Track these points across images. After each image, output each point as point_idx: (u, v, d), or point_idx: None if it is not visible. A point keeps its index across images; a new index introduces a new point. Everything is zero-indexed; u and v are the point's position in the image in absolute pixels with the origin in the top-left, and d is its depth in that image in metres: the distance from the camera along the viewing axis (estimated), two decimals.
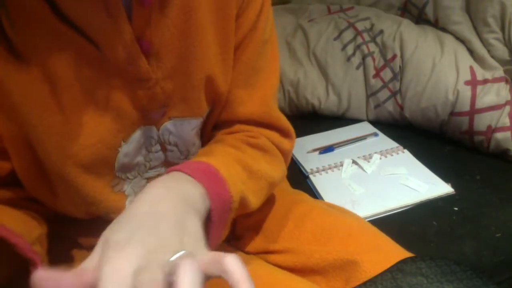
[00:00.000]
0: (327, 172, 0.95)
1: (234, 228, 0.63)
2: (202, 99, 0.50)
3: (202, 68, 0.48)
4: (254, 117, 0.55)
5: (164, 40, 0.44)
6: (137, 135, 0.48)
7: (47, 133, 0.42)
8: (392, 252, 0.54)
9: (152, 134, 0.50)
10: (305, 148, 1.05)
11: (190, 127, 0.52)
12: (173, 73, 0.46)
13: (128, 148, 0.47)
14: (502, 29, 1.00)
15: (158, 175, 0.50)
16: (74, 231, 0.54)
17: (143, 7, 0.41)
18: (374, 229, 0.59)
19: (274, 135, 0.57)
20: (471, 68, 1.00)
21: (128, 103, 0.45)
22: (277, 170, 0.55)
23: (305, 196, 0.67)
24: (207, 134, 0.57)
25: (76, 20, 0.38)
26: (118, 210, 0.46)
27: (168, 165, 0.54)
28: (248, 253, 0.60)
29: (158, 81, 0.45)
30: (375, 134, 1.09)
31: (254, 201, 0.49)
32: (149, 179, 0.53)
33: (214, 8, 0.47)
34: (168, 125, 0.50)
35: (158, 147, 0.51)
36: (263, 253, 0.59)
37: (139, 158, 0.50)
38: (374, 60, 1.12)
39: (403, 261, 0.52)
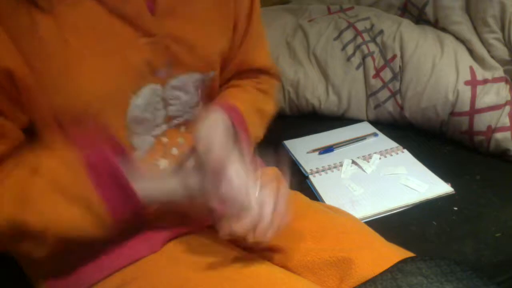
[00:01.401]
0: (326, 173, 0.95)
1: None
2: (204, 58, 0.57)
3: (202, 30, 0.55)
4: (264, 68, 0.70)
5: (172, 5, 0.51)
6: (146, 90, 0.52)
7: (64, 79, 0.45)
8: (389, 253, 0.54)
9: (158, 92, 0.54)
10: (305, 149, 1.05)
11: (191, 80, 0.57)
12: (176, 32, 0.53)
13: (138, 101, 0.52)
14: (502, 29, 1.00)
15: (163, 133, 0.57)
16: None
17: None
18: (368, 229, 0.60)
19: (273, 80, 0.72)
20: (471, 68, 1.00)
21: (137, 56, 0.50)
22: (273, 107, 0.71)
23: (301, 196, 0.69)
24: (215, 92, 0.65)
25: None
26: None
27: (169, 120, 0.58)
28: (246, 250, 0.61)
29: (162, 38, 0.51)
30: (375, 134, 1.09)
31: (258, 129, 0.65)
32: (156, 137, 0.58)
33: None
34: (172, 81, 0.55)
35: (161, 104, 0.56)
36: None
37: (147, 114, 0.54)
38: (374, 60, 1.12)
39: (403, 261, 0.52)
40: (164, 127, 0.58)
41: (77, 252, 0.51)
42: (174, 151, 0.60)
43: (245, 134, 0.57)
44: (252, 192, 0.49)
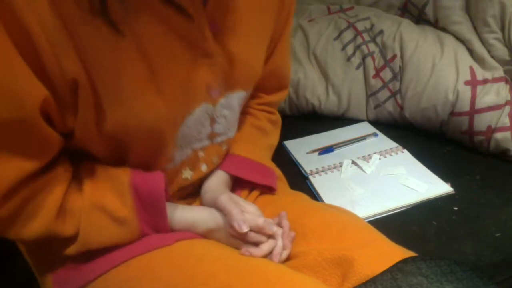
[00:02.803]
0: (326, 173, 0.95)
1: None
2: (252, 76, 0.60)
3: (253, 48, 0.58)
4: (287, 81, 0.76)
5: (228, 24, 0.52)
6: (199, 110, 0.54)
7: (129, 98, 0.46)
8: (390, 251, 0.54)
9: (208, 111, 0.56)
10: (305, 149, 1.05)
11: (238, 99, 0.60)
12: (233, 52, 0.54)
13: (190, 120, 0.54)
14: (502, 29, 1.00)
15: (202, 147, 0.60)
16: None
17: None
18: (370, 227, 0.60)
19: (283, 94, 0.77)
20: (471, 68, 1.00)
21: (197, 76, 0.51)
22: (278, 137, 0.79)
23: (303, 196, 0.70)
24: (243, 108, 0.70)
25: None
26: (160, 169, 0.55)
27: (213, 136, 0.61)
28: None
29: (220, 58, 0.53)
30: (375, 134, 1.09)
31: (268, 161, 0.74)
32: (194, 150, 0.60)
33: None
34: (222, 100, 0.57)
35: (208, 122, 0.58)
36: None
37: (194, 131, 0.57)
38: (374, 60, 1.12)
39: (403, 261, 0.52)
40: (206, 142, 0.60)
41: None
42: (204, 167, 0.63)
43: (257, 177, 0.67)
44: (269, 224, 0.57)
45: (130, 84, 0.45)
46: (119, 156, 0.53)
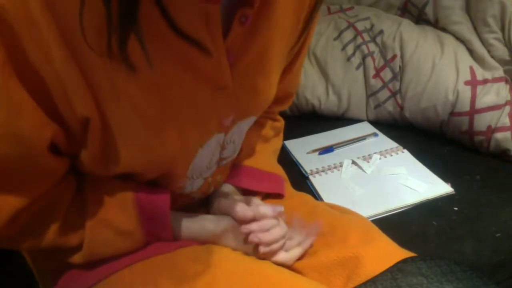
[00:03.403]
0: (326, 173, 0.95)
1: None
2: (266, 103, 0.58)
3: (269, 81, 0.55)
4: (294, 92, 0.75)
5: (247, 55, 0.49)
6: (212, 141, 0.52)
7: (143, 134, 0.44)
8: (392, 252, 0.54)
9: (220, 140, 0.55)
10: (305, 149, 1.05)
11: (248, 124, 0.59)
12: (249, 84, 0.52)
13: (202, 153, 0.52)
14: (502, 29, 1.00)
15: (212, 174, 0.59)
16: None
17: (242, 27, 0.46)
18: (374, 227, 0.60)
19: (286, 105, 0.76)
20: (471, 68, 1.00)
21: (210, 109, 0.49)
22: (281, 141, 0.80)
23: (308, 197, 0.70)
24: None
25: (183, 28, 0.40)
26: (172, 199, 0.54)
27: (220, 161, 0.59)
28: None
29: (234, 90, 0.50)
30: (375, 134, 1.09)
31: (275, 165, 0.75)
32: (205, 179, 0.59)
33: (287, 27, 0.53)
34: (234, 128, 0.55)
35: (219, 150, 0.56)
36: None
37: (206, 162, 0.55)
38: (374, 60, 1.12)
39: (403, 261, 0.52)
40: (214, 168, 0.59)
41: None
42: (212, 189, 0.63)
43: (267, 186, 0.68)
44: (271, 207, 0.57)
45: (145, 121, 0.44)
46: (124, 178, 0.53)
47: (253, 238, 0.54)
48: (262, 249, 0.54)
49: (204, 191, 0.61)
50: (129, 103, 0.42)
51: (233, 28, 0.45)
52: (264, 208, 0.56)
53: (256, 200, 0.60)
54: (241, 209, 0.55)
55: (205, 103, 0.48)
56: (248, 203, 0.59)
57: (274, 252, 0.55)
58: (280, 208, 0.57)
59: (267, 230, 0.55)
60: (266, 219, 0.56)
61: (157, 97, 0.43)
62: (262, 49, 0.50)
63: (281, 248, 0.56)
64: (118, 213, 0.51)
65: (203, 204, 0.66)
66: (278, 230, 0.56)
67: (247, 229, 0.54)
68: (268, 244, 0.54)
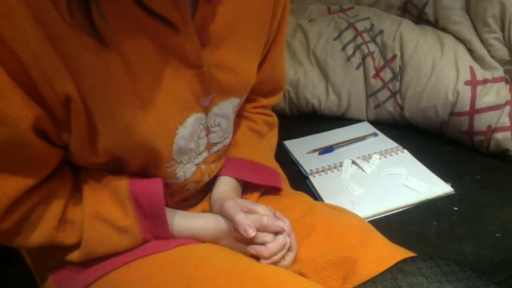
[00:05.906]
0: (326, 173, 0.95)
1: None
2: (245, 83, 0.59)
3: (245, 56, 0.56)
4: (283, 84, 0.76)
5: (218, 33, 0.51)
6: (191, 120, 0.53)
7: (118, 112, 0.45)
8: (391, 252, 0.54)
9: (202, 121, 0.56)
10: (305, 149, 1.05)
11: (231, 106, 0.59)
12: (223, 61, 0.53)
13: (184, 132, 0.53)
14: (502, 29, 1.00)
15: (204, 160, 0.60)
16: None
17: (209, 4, 0.48)
18: (371, 228, 0.60)
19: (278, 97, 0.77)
20: (471, 68, 1.00)
21: (185, 87, 0.51)
22: (277, 137, 0.81)
23: (306, 197, 0.70)
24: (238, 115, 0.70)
25: (154, 8, 0.43)
26: (165, 186, 0.55)
27: (210, 146, 0.60)
28: None
29: (209, 68, 0.52)
30: (375, 134, 1.09)
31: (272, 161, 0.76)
32: (197, 165, 0.60)
33: (258, 7, 0.56)
34: (215, 109, 0.56)
35: (204, 132, 0.57)
36: None
37: (191, 144, 0.56)
38: (374, 60, 1.12)
39: (403, 261, 0.52)
40: (205, 154, 0.60)
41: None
42: (206, 178, 0.63)
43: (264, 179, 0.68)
44: (275, 221, 0.56)
45: (117, 98, 0.45)
46: (117, 169, 0.53)
47: (250, 250, 0.55)
48: (264, 262, 0.55)
49: (198, 179, 0.61)
50: (102, 80, 0.43)
51: (199, 6, 0.47)
52: (266, 219, 0.56)
53: (261, 209, 0.59)
54: (243, 226, 0.54)
55: (177, 80, 0.49)
56: (250, 211, 0.58)
57: (275, 263, 0.55)
58: (283, 224, 0.56)
59: (268, 242, 0.55)
60: (267, 231, 0.56)
61: (129, 73, 0.44)
62: (231, 26, 0.52)
63: (282, 258, 0.56)
64: (114, 208, 0.51)
65: (202, 200, 0.66)
66: (276, 243, 0.55)
67: (254, 250, 0.55)
68: (268, 257, 0.55)
